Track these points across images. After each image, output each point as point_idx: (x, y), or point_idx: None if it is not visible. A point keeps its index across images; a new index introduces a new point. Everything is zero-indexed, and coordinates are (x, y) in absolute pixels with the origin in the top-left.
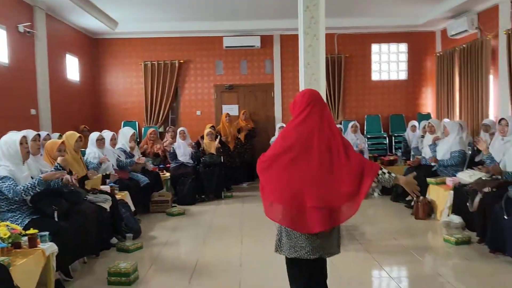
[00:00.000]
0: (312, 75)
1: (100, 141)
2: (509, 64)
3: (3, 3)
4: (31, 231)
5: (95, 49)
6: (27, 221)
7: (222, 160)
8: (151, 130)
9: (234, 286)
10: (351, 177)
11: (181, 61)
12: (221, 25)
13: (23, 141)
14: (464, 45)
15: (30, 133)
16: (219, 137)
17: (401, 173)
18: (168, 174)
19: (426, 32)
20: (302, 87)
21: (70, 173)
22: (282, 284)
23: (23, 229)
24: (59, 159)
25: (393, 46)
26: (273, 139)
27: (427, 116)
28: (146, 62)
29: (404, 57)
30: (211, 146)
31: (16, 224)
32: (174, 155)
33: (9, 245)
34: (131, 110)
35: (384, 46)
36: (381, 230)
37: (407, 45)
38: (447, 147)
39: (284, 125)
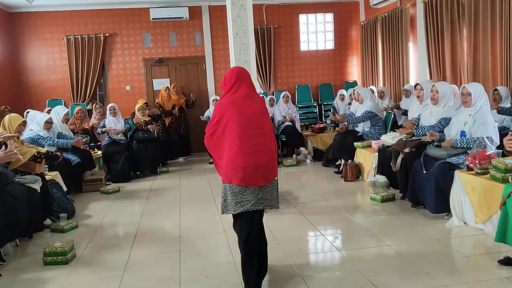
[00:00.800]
0: (241, 45)
1: (49, 124)
2: (426, 31)
3: None
4: None
5: (12, 24)
6: None
7: (156, 136)
8: (77, 108)
9: (174, 256)
10: (273, 137)
11: (107, 35)
12: None
13: None
14: (385, 14)
15: None
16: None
17: (331, 139)
18: (99, 152)
19: (350, 2)
20: (232, 57)
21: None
22: (220, 249)
23: None
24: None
25: (320, 16)
26: (207, 112)
27: (354, 84)
28: (69, 36)
29: (330, 27)
30: (142, 121)
31: None
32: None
33: None
34: (55, 88)
35: (311, 16)
36: (313, 193)
37: (333, 15)
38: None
39: (218, 98)
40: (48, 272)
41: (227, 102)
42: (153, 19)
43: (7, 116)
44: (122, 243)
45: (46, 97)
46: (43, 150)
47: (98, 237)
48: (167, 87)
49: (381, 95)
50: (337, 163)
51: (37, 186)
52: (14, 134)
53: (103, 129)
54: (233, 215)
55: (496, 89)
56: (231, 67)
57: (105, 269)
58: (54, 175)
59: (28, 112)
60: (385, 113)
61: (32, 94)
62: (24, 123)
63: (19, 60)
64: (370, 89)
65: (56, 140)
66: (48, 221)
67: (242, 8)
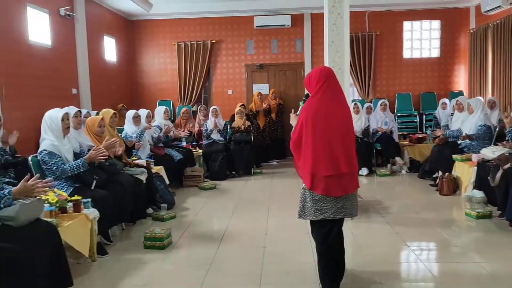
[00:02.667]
0: (336, 53)
1: (136, 119)
2: None
3: None
4: (76, 197)
5: (131, 30)
6: (71, 189)
7: (252, 138)
8: (184, 109)
9: (258, 251)
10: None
11: (213, 41)
12: (252, 4)
13: (65, 117)
14: (497, 21)
15: (72, 110)
16: (245, 114)
17: (429, 150)
18: (200, 151)
19: (459, 8)
20: (326, 64)
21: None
22: (303, 250)
23: (68, 196)
24: (103, 145)
25: (426, 23)
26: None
27: (459, 94)
28: (180, 42)
29: (436, 34)
30: (241, 124)
31: (62, 191)
32: (209, 132)
33: (57, 209)
34: (165, 90)
35: (416, 23)
36: (404, 205)
37: (440, 22)
38: (472, 124)
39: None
40: (147, 255)
41: (314, 106)
42: (256, 26)
43: (101, 111)
44: (213, 235)
45: (157, 98)
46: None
47: (192, 228)
48: (259, 92)
49: (492, 106)
50: (433, 176)
51: (143, 177)
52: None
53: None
54: (311, 221)
55: None
56: None
57: (196, 257)
58: (158, 169)
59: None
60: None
61: (146, 95)
62: (115, 115)
63: (135, 63)
64: (482, 100)
65: (140, 134)
66: (150, 210)
67: (339, 16)
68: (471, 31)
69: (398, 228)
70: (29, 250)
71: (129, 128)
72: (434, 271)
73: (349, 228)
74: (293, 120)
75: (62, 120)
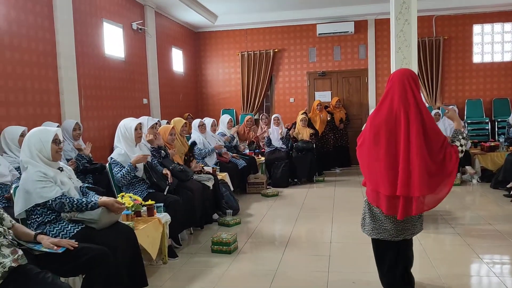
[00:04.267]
0: (403, 60)
1: (202, 127)
2: None
3: (120, 5)
4: (149, 202)
5: (197, 42)
6: (145, 194)
7: (314, 146)
8: (248, 117)
9: (324, 260)
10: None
11: (276, 50)
12: (314, 12)
13: (138, 127)
14: None
15: (150, 121)
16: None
17: (502, 159)
18: (263, 158)
19: None
20: (393, 72)
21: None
22: (368, 260)
23: (142, 200)
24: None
25: (498, 26)
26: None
27: None
28: (243, 52)
29: (509, 37)
30: (303, 132)
31: (137, 196)
32: (269, 141)
33: (132, 213)
34: (229, 99)
35: (487, 26)
36: (476, 216)
37: None
38: None
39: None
40: (214, 258)
41: (381, 114)
42: (319, 34)
43: (173, 120)
44: (278, 242)
45: (221, 107)
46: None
47: (257, 234)
48: (320, 101)
49: None
50: (508, 186)
51: (210, 183)
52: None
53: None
54: (372, 238)
55: None
56: None
57: (261, 263)
58: (223, 176)
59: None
60: None
61: (210, 104)
62: (186, 124)
63: (201, 74)
64: None
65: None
66: (216, 216)
67: (407, 22)
68: None
69: (470, 239)
70: (112, 250)
71: (196, 137)
72: (509, 285)
73: (417, 238)
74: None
75: (136, 129)
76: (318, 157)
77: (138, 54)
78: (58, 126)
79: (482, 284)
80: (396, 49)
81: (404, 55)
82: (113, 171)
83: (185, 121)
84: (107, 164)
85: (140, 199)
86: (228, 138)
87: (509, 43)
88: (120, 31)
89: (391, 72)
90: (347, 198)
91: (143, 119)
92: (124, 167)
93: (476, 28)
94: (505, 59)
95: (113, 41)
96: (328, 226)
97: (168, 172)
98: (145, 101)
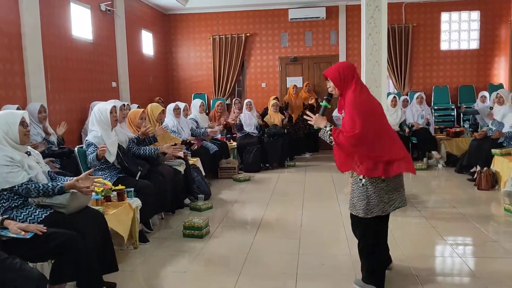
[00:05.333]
0: (373, 46)
1: (177, 111)
2: None
3: None
4: (119, 187)
5: (167, 24)
6: (115, 179)
7: (285, 131)
8: (218, 102)
9: (294, 243)
10: None
11: (248, 35)
12: None
13: (113, 110)
14: None
15: (118, 103)
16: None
17: (467, 144)
18: (235, 143)
19: None
20: (363, 57)
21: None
22: (338, 242)
23: (112, 185)
24: (141, 132)
25: (465, 14)
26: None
27: (499, 87)
28: (215, 36)
29: (476, 25)
30: (275, 117)
31: (107, 181)
32: (240, 126)
33: (102, 197)
34: (200, 83)
35: (455, 14)
36: (441, 199)
37: (479, 13)
38: None
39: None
40: (186, 243)
41: (366, 98)
42: (291, 19)
43: (149, 106)
44: (249, 226)
45: (192, 91)
46: (179, 140)
47: (229, 218)
48: (295, 85)
49: None
50: (471, 170)
51: (182, 168)
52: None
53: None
54: (360, 218)
55: None
56: (362, 66)
57: (233, 247)
58: (195, 161)
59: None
60: None
61: (181, 88)
62: (163, 112)
63: (172, 57)
64: None
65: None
66: (187, 200)
67: (377, 9)
68: None
69: (435, 222)
70: (82, 235)
71: (170, 121)
72: (471, 265)
73: None
74: (320, 121)
75: (111, 112)
76: (289, 142)
77: (107, 36)
78: (18, 109)
79: (446, 264)
80: (366, 35)
81: (374, 41)
82: (87, 151)
83: (163, 108)
84: (75, 149)
85: (110, 184)
86: (219, 128)
87: (475, 31)
88: (88, 12)
89: (362, 59)
90: (317, 182)
91: (116, 103)
92: (96, 148)
93: (444, 16)
94: (471, 47)
95: (80, 23)
96: (298, 210)
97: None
98: (114, 84)
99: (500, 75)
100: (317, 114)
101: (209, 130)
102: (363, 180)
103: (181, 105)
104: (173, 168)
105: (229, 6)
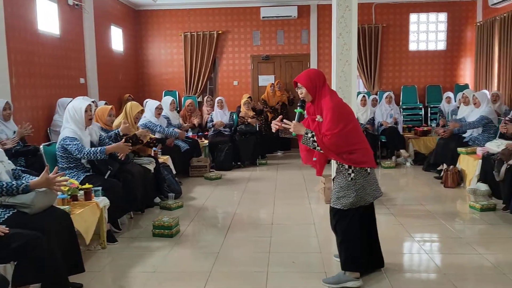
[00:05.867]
0: (344, 45)
1: (158, 110)
2: None
3: None
4: (87, 186)
5: (137, 20)
6: (82, 177)
7: (257, 129)
8: (188, 101)
9: (265, 240)
10: None
11: (219, 32)
12: None
13: (88, 108)
14: (504, 14)
15: (87, 100)
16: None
17: (434, 143)
18: (206, 141)
19: (466, 1)
20: (334, 57)
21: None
22: (309, 240)
23: (79, 184)
24: (121, 128)
25: (432, 16)
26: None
27: (465, 87)
28: (186, 33)
29: (443, 27)
30: (247, 115)
31: (73, 179)
32: (212, 125)
33: (68, 197)
34: (171, 80)
35: (423, 16)
36: (409, 197)
37: (446, 15)
38: (476, 117)
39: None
40: (156, 242)
41: (340, 100)
42: (263, 17)
43: (129, 103)
44: (220, 225)
45: (163, 88)
46: (153, 136)
47: (199, 217)
48: (273, 83)
49: (495, 99)
50: (438, 168)
51: (151, 167)
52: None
53: (213, 123)
54: (344, 211)
55: None
56: (332, 65)
57: (204, 246)
58: (165, 159)
59: (147, 101)
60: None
61: (152, 85)
62: (142, 111)
63: (142, 54)
64: (487, 94)
65: (165, 128)
66: (158, 199)
67: (347, 9)
68: (478, 24)
69: (403, 219)
70: (46, 236)
71: (151, 118)
72: (437, 261)
73: None
74: (300, 128)
75: (86, 111)
76: (261, 140)
77: (75, 31)
78: None
79: (413, 260)
80: (337, 35)
81: (344, 41)
82: (72, 146)
83: (142, 108)
84: (41, 147)
85: (76, 182)
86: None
87: (442, 33)
88: (55, 6)
89: (333, 58)
90: (288, 180)
91: (85, 100)
92: (81, 143)
93: (413, 17)
94: (439, 48)
95: (47, 17)
96: (270, 208)
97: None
98: (82, 80)
99: (466, 75)
100: (294, 121)
101: (179, 131)
102: (352, 174)
103: (154, 102)
104: (143, 166)
105: (201, 3)
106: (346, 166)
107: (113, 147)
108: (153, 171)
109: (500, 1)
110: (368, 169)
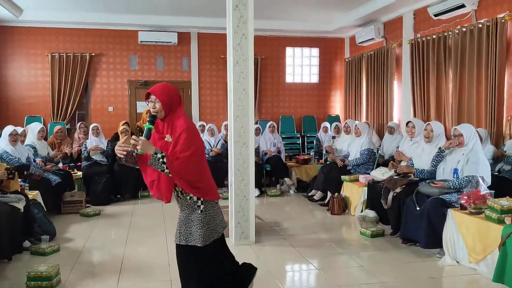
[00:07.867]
0: (241, 73)
1: (13, 137)
2: (412, 71)
3: None
4: None
5: None
6: None
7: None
8: (57, 127)
9: (165, 285)
10: None
11: (93, 54)
12: (136, 18)
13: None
14: (371, 52)
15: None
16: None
17: (315, 171)
18: (80, 173)
19: (336, 38)
20: (231, 85)
21: None
22: None
23: None
24: None
25: (306, 50)
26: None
27: (336, 118)
28: (54, 53)
29: (316, 61)
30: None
31: None
32: (87, 154)
33: None
34: (35, 105)
35: (298, 50)
36: (301, 225)
37: (318, 50)
38: (358, 146)
39: (204, 124)
40: None
41: (191, 122)
42: (141, 42)
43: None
44: (109, 270)
45: (25, 113)
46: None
47: (82, 262)
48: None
49: (391, 131)
50: (309, 194)
51: (21, 205)
52: None
53: (88, 149)
54: (201, 248)
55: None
56: (229, 94)
57: None
58: (34, 194)
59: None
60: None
61: (11, 109)
62: (43, 129)
63: (0, 75)
64: (368, 124)
65: (23, 162)
66: (27, 243)
67: (244, 37)
68: (347, 60)
69: (300, 249)
70: None
71: (5, 147)
72: None
73: (254, 251)
74: (148, 147)
75: None
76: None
77: None
78: None
79: None
80: (234, 63)
81: (241, 69)
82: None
83: (42, 126)
84: None
85: None
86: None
87: (315, 67)
88: None
89: (229, 86)
90: (176, 212)
91: None
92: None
93: (289, 51)
94: (312, 81)
95: None
96: (163, 247)
97: None
98: None
99: (336, 107)
100: (142, 138)
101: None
102: (202, 206)
103: (18, 129)
104: (9, 205)
105: (71, 23)
106: (195, 198)
107: None
108: (22, 210)
109: (365, 40)
110: (216, 200)
